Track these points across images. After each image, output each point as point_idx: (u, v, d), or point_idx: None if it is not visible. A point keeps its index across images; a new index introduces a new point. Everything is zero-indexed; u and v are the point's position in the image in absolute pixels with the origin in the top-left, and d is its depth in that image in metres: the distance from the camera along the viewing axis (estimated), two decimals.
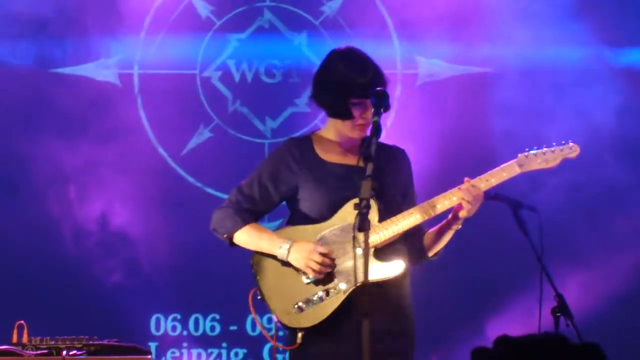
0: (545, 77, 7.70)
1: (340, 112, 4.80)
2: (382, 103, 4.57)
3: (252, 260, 4.89)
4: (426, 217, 4.79)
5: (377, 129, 4.48)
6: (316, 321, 4.72)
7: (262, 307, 4.87)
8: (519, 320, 7.04)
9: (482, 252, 7.30)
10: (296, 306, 4.76)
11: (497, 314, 7.44)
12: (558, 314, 5.32)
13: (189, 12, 7.76)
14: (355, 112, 4.79)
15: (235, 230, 4.83)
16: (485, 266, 7.43)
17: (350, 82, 4.77)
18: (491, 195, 5.20)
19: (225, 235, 4.89)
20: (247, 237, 4.87)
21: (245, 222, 4.82)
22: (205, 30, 7.75)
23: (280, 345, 4.86)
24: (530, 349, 2.28)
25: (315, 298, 4.78)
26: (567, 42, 7.77)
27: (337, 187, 4.77)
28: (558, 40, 7.78)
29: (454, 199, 4.80)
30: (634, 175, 7.73)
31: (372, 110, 4.66)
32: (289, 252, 4.79)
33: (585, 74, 7.75)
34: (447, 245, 5.01)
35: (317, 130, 5.01)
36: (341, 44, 5.07)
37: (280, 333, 4.79)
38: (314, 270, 4.73)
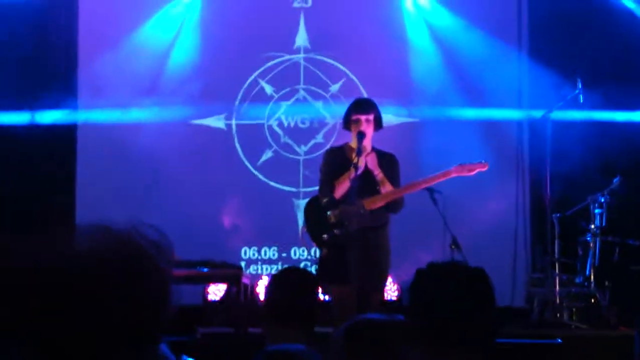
0: (454, 125, 7.92)
1: (345, 124, 5.44)
2: (362, 138, 5.26)
3: (304, 213, 5.57)
4: (399, 194, 5.31)
5: (359, 151, 5.25)
6: (334, 245, 5.27)
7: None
8: (431, 251, 7.00)
9: (418, 216, 7.01)
10: (324, 237, 5.32)
11: (419, 250, 7.31)
12: (453, 247, 6.32)
13: (261, 90, 8.21)
14: (353, 126, 5.29)
15: (333, 192, 5.29)
16: (415, 225, 7.37)
17: (351, 107, 5.44)
18: None
19: (328, 198, 5.32)
20: (338, 188, 5.28)
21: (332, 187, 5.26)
22: (269, 100, 8.20)
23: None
24: (450, 270, 2.19)
25: (334, 233, 5.28)
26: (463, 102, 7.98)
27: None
28: (460, 100, 7.98)
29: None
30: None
31: (364, 125, 5.22)
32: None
33: (475, 124, 7.93)
34: (399, 214, 5.54)
35: (349, 142, 5.48)
36: (340, 109, 6.13)
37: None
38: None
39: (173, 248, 1.28)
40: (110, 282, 1.18)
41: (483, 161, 5.50)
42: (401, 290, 7.32)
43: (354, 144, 5.36)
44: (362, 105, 5.43)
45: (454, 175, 5.43)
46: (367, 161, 5.31)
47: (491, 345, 2.16)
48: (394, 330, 2.28)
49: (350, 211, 5.18)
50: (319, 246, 5.36)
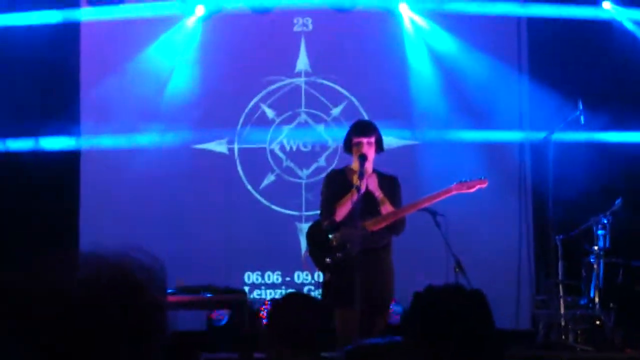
0: (456, 147, 7.97)
1: (346, 147, 5.41)
2: (363, 160, 5.20)
3: (306, 237, 5.51)
4: (399, 215, 5.27)
5: (361, 174, 5.21)
6: (337, 268, 5.27)
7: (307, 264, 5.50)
8: (435, 274, 6.54)
9: (421, 239, 7.04)
10: (327, 260, 5.30)
11: (425, 272, 7.12)
12: (457, 270, 6.15)
13: (263, 115, 8.26)
14: (354, 149, 5.26)
15: (334, 215, 5.30)
16: (419, 248, 7.43)
17: (352, 130, 5.40)
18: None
19: (329, 220, 5.30)
20: (340, 210, 5.29)
21: (333, 210, 5.25)
22: (271, 124, 8.25)
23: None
24: (447, 292, 2.19)
25: (336, 256, 5.27)
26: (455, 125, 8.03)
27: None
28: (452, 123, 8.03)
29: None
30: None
31: (366, 148, 5.15)
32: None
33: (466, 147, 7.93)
34: (401, 237, 5.52)
35: (350, 165, 5.47)
36: (342, 132, 5.82)
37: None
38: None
39: (166, 274, 1.25)
40: (96, 310, 1.17)
41: (482, 177, 5.45)
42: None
43: (355, 166, 5.35)
44: (363, 128, 5.40)
45: (454, 192, 5.36)
46: (368, 183, 5.29)
47: None
48: (394, 353, 2.29)
49: (352, 234, 5.15)
50: (322, 270, 5.36)
